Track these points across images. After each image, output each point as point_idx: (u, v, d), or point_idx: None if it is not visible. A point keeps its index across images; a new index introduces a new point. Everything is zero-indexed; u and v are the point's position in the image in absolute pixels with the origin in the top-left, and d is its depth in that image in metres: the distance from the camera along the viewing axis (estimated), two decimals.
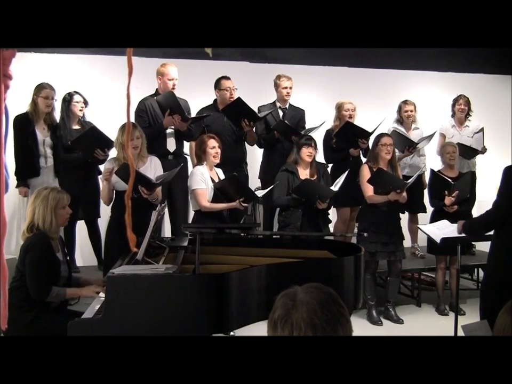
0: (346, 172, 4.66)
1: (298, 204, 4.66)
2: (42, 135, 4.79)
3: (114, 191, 4.25)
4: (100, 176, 4.32)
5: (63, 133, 4.95)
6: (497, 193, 3.38)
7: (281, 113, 5.41)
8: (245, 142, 5.30)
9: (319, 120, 5.42)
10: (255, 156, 5.71)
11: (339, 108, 5.48)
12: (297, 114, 5.48)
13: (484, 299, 3.39)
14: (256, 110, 5.18)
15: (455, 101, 6.03)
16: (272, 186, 4.64)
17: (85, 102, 5.09)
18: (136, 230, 1.49)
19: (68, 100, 5.03)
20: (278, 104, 5.43)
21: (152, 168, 4.29)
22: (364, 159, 5.46)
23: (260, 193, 4.63)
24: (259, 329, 1.57)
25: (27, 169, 4.72)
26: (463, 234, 3.92)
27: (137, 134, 4.19)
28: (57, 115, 4.99)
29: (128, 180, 3.92)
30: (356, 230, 5.57)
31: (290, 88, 5.36)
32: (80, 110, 5.07)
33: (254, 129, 5.23)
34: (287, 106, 5.46)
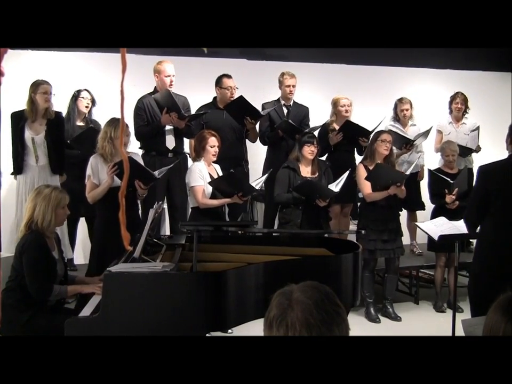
0: (347, 172, 4.65)
1: (299, 202, 4.65)
2: (35, 132, 4.72)
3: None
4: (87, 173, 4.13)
5: (67, 128, 4.95)
6: (472, 190, 3.43)
7: (285, 111, 5.38)
8: (245, 140, 5.28)
9: (317, 116, 5.41)
10: (256, 153, 5.69)
11: (335, 103, 5.46)
12: (302, 112, 5.45)
13: (473, 299, 3.39)
14: (259, 108, 5.15)
15: (453, 98, 6.02)
16: (266, 174, 4.62)
17: (93, 101, 5.08)
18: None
19: (75, 95, 5.04)
20: (282, 102, 5.40)
21: None
22: (357, 156, 5.46)
23: (256, 185, 4.51)
24: (258, 327, 1.57)
25: (14, 165, 4.74)
26: (462, 232, 3.93)
27: (128, 131, 4.16)
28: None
29: (133, 175, 3.91)
30: (351, 227, 5.58)
31: (294, 86, 5.32)
32: (86, 107, 5.05)
33: (258, 126, 5.21)
34: (291, 103, 5.43)
